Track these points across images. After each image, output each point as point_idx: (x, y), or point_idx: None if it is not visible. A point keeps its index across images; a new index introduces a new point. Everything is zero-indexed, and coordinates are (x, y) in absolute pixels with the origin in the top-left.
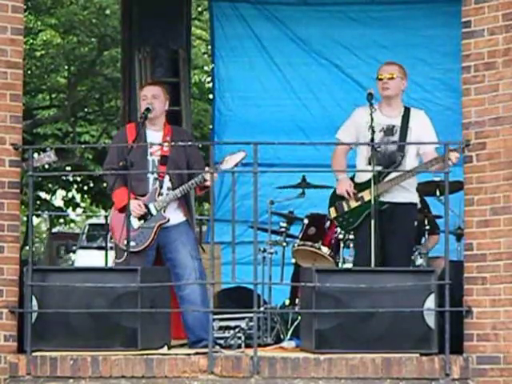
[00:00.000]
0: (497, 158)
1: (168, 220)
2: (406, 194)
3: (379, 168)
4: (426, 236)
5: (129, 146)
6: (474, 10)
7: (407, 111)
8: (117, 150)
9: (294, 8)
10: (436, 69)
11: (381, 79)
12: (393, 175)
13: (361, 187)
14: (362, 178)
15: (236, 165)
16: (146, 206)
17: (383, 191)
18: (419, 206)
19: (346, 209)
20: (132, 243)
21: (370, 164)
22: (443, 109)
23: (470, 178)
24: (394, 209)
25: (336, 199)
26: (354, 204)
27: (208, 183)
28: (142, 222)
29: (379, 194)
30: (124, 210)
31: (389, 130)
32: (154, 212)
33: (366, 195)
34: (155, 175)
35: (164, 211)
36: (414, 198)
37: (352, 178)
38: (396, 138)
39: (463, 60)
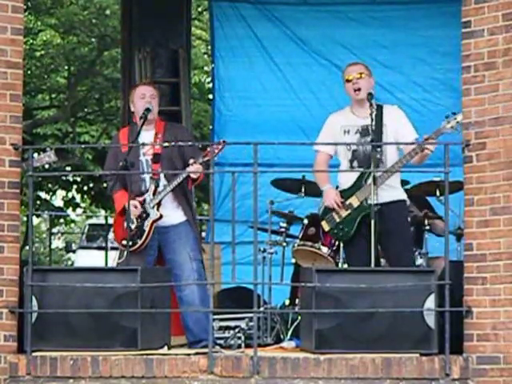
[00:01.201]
0: (497, 158)
1: (161, 216)
2: (391, 192)
3: (361, 169)
4: (426, 236)
5: (122, 149)
6: (473, 10)
7: (380, 109)
8: (112, 156)
9: (294, 8)
10: (436, 69)
11: (350, 80)
12: (377, 175)
13: (346, 194)
14: (345, 184)
15: (217, 154)
16: (143, 206)
17: (369, 193)
18: (408, 202)
19: (337, 219)
20: (129, 243)
21: (351, 167)
22: (443, 109)
23: (469, 178)
24: (383, 209)
25: (326, 211)
26: (344, 213)
27: (193, 176)
28: (139, 220)
29: (366, 197)
30: (124, 211)
31: (364, 131)
32: (149, 210)
33: (354, 201)
34: (151, 175)
35: (158, 209)
36: (401, 194)
37: (336, 187)
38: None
39: (463, 60)
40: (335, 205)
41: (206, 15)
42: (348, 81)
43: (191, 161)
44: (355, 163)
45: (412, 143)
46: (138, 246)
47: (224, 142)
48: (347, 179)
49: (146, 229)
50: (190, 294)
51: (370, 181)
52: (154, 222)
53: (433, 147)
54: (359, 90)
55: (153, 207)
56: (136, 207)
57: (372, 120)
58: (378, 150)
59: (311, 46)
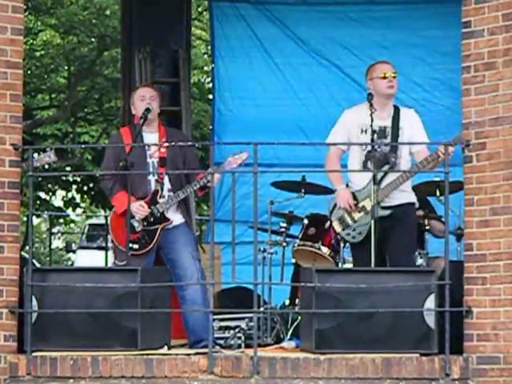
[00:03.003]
0: (497, 158)
1: (171, 222)
2: (402, 194)
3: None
4: (426, 236)
5: (126, 148)
6: (473, 10)
7: (397, 111)
8: (113, 155)
9: (294, 8)
10: (436, 69)
11: (385, 77)
12: (390, 179)
13: (359, 196)
14: (357, 185)
15: (239, 165)
16: (150, 209)
17: (383, 197)
18: (417, 205)
19: (349, 221)
20: (135, 246)
21: (365, 167)
22: (443, 109)
23: (469, 178)
24: (393, 212)
25: (336, 212)
26: (357, 215)
27: (210, 184)
28: (145, 223)
29: (380, 200)
30: (125, 213)
31: (381, 132)
32: (156, 214)
33: (367, 204)
34: (156, 177)
35: (166, 213)
36: (412, 197)
37: (346, 186)
38: (388, 139)
39: (463, 60)
40: (348, 207)
41: (206, 15)
42: (383, 78)
43: (210, 170)
44: (369, 164)
45: (416, 143)
46: (146, 249)
47: (247, 152)
48: (360, 180)
49: (157, 232)
50: (194, 293)
51: (384, 184)
52: (165, 226)
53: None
54: (393, 87)
55: (161, 212)
56: (143, 207)
57: (372, 120)
58: (389, 153)
59: (311, 46)
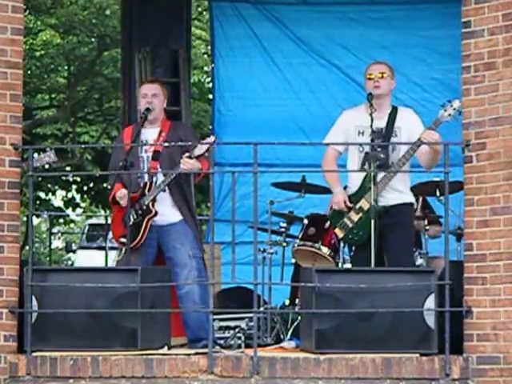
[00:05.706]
0: (497, 158)
1: (156, 213)
2: (398, 195)
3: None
4: (427, 229)
5: (124, 148)
6: (473, 10)
7: (394, 111)
8: (115, 155)
9: (294, 8)
10: (436, 69)
11: (371, 78)
12: (380, 176)
13: (355, 198)
14: (353, 187)
15: (208, 149)
16: (139, 202)
17: (377, 194)
18: (416, 205)
19: (350, 225)
20: (125, 240)
21: (362, 168)
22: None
23: (469, 178)
24: (390, 212)
25: (336, 218)
26: (356, 217)
27: (188, 166)
28: (135, 217)
29: (375, 198)
30: (117, 203)
31: (378, 132)
32: (143, 206)
33: (364, 204)
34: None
35: (153, 205)
36: (409, 197)
37: (344, 187)
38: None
39: (463, 60)
40: (343, 204)
41: (206, 15)
42: (369, 79)
43: (185, 155)
44: (366, 166)
45: (415, 143)
46: (135, 242)
47: (214, 136)
48: (356, 182)
49: (143, 225)
50: (190, 292)
51: (377, 181)
52: (150, 218)
53: (432, 140)
54: (379, 88)
55: (148, 203)
56: (121, 198)
57: (372, 120)
58: (379, 151)
59: (311, 46)
